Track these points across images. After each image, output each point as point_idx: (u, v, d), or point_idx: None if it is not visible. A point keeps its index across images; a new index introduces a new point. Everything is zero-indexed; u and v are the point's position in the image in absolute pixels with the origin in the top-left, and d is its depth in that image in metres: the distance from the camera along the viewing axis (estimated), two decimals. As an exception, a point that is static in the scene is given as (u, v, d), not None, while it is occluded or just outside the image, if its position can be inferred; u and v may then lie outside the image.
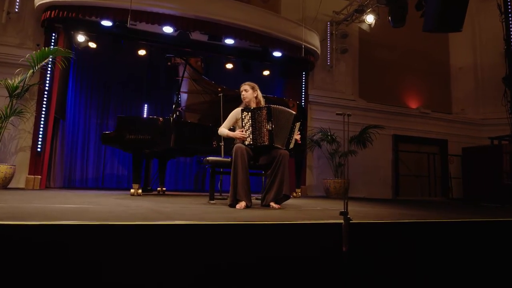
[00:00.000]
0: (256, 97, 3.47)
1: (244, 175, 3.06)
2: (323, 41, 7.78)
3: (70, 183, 7.38)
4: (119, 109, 8.20)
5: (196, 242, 1.74)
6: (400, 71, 9.07)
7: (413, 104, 9.17)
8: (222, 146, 4.29)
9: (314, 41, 7.10)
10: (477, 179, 8.01)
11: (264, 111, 3.24)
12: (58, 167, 6.63)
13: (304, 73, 7.49)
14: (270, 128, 3.21)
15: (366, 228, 2.15)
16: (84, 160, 7.71)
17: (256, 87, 3.49)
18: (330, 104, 7.86)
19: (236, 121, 3.45)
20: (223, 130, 3.44)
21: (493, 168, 7.56)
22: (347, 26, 8.06)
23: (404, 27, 7.09)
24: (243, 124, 3.28)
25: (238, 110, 3.42)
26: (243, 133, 3.25)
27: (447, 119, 9.10)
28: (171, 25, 5.78)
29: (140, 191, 4.45)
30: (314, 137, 7.17)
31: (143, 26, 6.03)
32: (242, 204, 2.97)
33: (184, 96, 5.73)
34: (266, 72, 7.83)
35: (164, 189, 5.72)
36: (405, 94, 9.14)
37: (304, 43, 6.32)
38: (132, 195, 4.38)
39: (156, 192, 5.59)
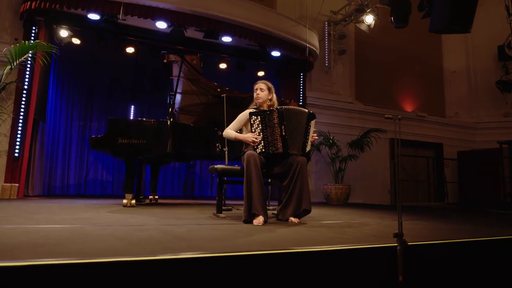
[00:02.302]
0: (271, 99, 3.11)
1: (259, 186, 2.71)
2: (320, 41, 7.52)
3: (50, 191, 6.83)
4: (103, 111, 7.72)
5: (241, 278, 1.38)
6: (394, 73, 8.93)
7: (408, 107, 9.05)
8: (226, 152, 3.91)
9: (314, 41, 6.82)
10: (473, 184, 7.93)
11: (275, 114, 2.88)
12: (37, 173, 6.05)
13: (302, 74, 7.19)
14: (283, 134, 2.87)
15: (425, 251, 1.83)
16: (66, 165, 7.18)
17: (273, 88, 3.14)
18: (328, 107, 7.60)
19: (245, 124, 3.10)
20: (230, 132, 3.07)
21: (491, 172, 7.49)
22: (344, 27, 7.84)
23: (400, 30, 6.92)
24: (253, 130, 2.92)
25: (246, 113, 3.06)
26: (254, 137, 2.89)
27: (442, 122, 9.02)
28: (165, 20, 5.35)
29: (133, 201, 4.01)
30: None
31: (133, 21, 5.58)
32: (260, 219, 2.61)
33: (177, 97, 5.32)
34: (261, 73, 7.50)
35: (157, 197, 5.29)
36: (400, 97, 9.01)
37: (306, 43, 6.02)
38: (125, 206, 3.94)
39: (148, 201, 5.15)
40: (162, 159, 4.94)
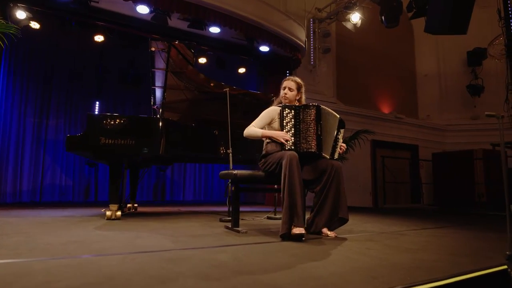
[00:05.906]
0: (299, 100, 2.74)
1: (302, 193, 2.35)
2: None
3: (0, 198, 5.84)
4: (62, 107, 6.87)
5: None
6: (372, 75, 8.93)
7: (385, 109, 9.09)
8: (231, 154, 3.42)
9: (302, 37, 6.50)
10: (448, 185, 8.08)
11: (312, 110, 2.54)
12: (-16, 178, 5.12)
13: (288, 72, 6.83)
14: (319, 133, 2.51)
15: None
16: (18, 169, 6.25)
17: (303, 87, 2.77)
18: (313, 107, 7.34)
19: (271, 122, 2.67)
20: (254, 129, 2.63)
21: (465, 174, 7.67)
22: (328, 25, 7.63)
23: (376, 32, 6.87)
24: (284, 124, 2.54)
25: (275, 108, 2.67)
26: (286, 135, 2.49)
27: (417, 124, 9.17)
28: (148, 4, 4.71)
29: (119, 213, 3.37)
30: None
31: (108, 5, 4.91)
32: (302, 230, 2.19)
33: (158, 93, 4.72)
34: (242, 70, 7.06)
35: (136, 205, 4.64)
36: (377, 98, 9.02)
37: (297, 39, 5.66)
38: (109, 218, 3.30)
39: (126, 209, 4.48)
40: (149, 163, 4.32)
